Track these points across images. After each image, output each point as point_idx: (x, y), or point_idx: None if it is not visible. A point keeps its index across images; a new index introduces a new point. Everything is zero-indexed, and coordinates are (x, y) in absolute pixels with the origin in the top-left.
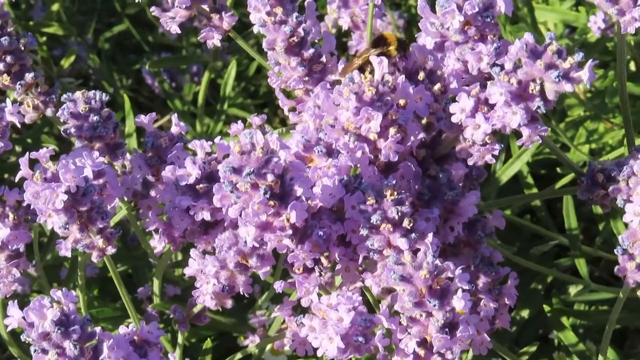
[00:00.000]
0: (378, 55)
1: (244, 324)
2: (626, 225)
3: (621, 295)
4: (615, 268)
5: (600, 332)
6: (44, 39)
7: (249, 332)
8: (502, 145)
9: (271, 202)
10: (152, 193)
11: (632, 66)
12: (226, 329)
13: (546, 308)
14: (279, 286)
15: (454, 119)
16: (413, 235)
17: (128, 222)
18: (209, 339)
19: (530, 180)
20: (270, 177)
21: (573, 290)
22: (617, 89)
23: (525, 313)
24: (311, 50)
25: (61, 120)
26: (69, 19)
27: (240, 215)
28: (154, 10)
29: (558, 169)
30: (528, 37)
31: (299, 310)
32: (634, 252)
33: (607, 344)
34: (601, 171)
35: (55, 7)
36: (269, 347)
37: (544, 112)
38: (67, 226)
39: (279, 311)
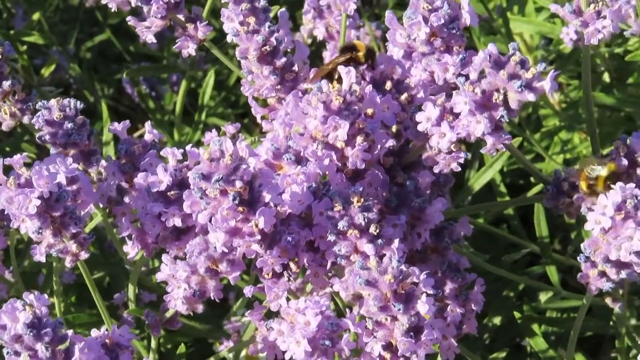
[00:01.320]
0: (346, 60)
1: (219, 330)
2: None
3: (584, 302)
4: (578, 275)
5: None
6: (25, 47)
7: (223, 338)
8: (468, 154)
9: (240, 208)
10: (126, 199)
11: (607, 77)
12: (201, 335)
13: (517, 315)
14: (248, 291)
15: (420, 128)
16: (379, 241)
17: (105, 228)
18: (183, 344)
19: (503, 189)
20: (238, 184)
21: (543, 297)
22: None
23: (497, 320)
24: (283, 59)
25: (36, 127)
26: (51, 28)
27: (210, 221)
28: (130, 20)
29: (532, 179)
30: (492, 48)
31: (274, 315)
32: (595, 259)
33: (573, 350)
34: (566, 180)
35: (36, 16)
36: (244, 352)
37: (507, 120)
38: (40, 231)
39: (250, 316)
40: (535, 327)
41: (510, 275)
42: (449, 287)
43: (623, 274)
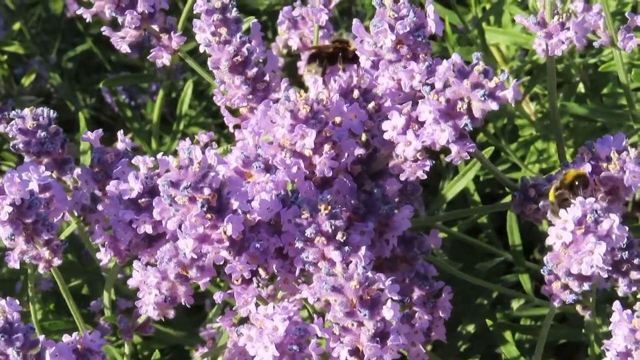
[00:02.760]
0: (337, 47)
1: (194, 337)
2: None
3: (549, 313)
4: (542, 288)
5: (547, 346)
6: (5, 57)
7: (199, 344)
8: (433, 162)
9: (208, 215)
10: (100, 207)
11: (581, 88)
12: (177, 342)
13: (489, 323)
14: (218, 297)
15: (386, 136)
16: (346, 248)
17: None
18: (157, 350)
19: (477, 197)
20: (206, 191)
21: (515, 304)
22: (566, 109)
23: (471, 328)
24: (255, 69)
25: (10, 135)
26: (33, 37)
27: (180, 228)
28: (104, 30)
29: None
30: (456, 57)
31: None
32: (558, 272)
33: (539, 357)
34: (533, 187)
35: (16, 26)
36: (219, 359)
37: (472, 129)
38: (12, 237)
39: (221, 322)
40: (508, 334)
41: (483, 283)
42: (416, 294)
43: (585, 286)
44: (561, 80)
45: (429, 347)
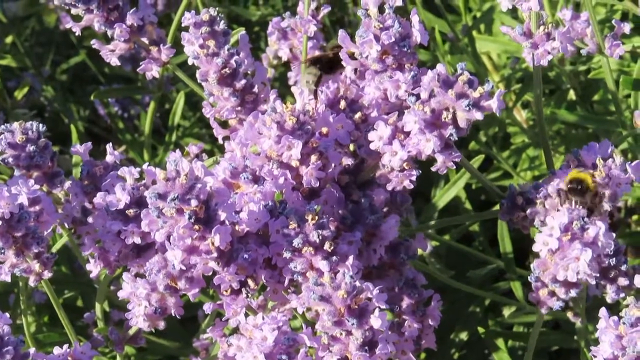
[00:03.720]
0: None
1: (188, 348)
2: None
3: (536, 319)
4: (529, 295)
5: (539, 353)
6: None
7: (192, 355)
8: (420, 171)
9: (196, 227)
10: (90, 219)
11: (572, 95)
12: (171, 353)
13: (480, 330)
14: (208, 307)
15: (372, 147)
16: (334, 257)
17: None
18: None
19: (468, 206)
20: (194, 203)
21: (507, 311)
22: (556, 117)
23: (464, 335)
24: (243, 81)
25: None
26: (26, 50)
27: (168, 240)
28: (94, 43)
29: None
30: (440, 68)
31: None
32: (545, 279)
33: None
34: (521, 194)
35: (9, 39)
36: None
37: (457, 138)
38: (3, 251)
39: (211, 332)
40: (500, 341)
41: (474, 291)
42: (406, 302)
43: (572, 293)
44: (553, 87)
45: (422, 356)
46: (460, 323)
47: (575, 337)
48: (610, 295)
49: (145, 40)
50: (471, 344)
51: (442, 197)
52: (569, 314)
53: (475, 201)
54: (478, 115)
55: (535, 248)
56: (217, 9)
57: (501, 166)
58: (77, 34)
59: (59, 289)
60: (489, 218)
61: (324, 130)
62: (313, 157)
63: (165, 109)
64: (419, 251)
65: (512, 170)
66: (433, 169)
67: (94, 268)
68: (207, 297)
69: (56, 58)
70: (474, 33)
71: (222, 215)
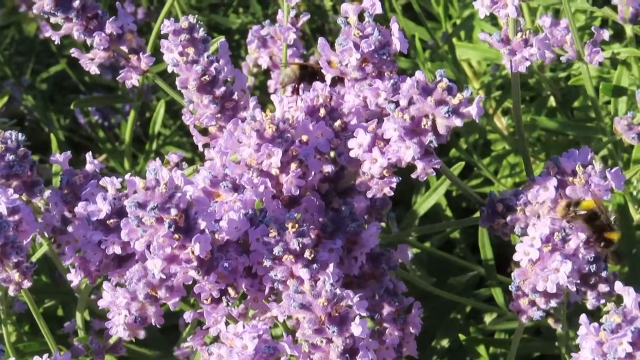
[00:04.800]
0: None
1: (169, 356)
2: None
3: (517, 328)
4: (510, 304)
5: (523, 359)
6: None
7: None
8: (399, 178)
9: (176, 236)
10: (70, 229)
11: (552, 101)
12: None
13: (461, 337)
14: (188, 316)
15: (352, 154)
16: (315, 265)
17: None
18: None
19: (449, 212)
20: (173, 212)
21: (488, 318)
22: (536, 123)
23: (445, 342)
24: (223, 88)
25: None
26: (6, 60)
27: (148, 249)
28: (73, 52)
29: None
30: (419, 75)
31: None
32: (525, 289)
33: None
34: (501, 201)
35: None
36: None
37: (436, 145)
38: None
39: (191, 341)
40: (482, 348)
41: (455, 298)
42: (386, 310)
43: (553, 303)
44: (533, 94)
45: None
46: (442, 330)
47: (557, 344)
48: (590, 301)
49: (124, 48)
50: (453, 351)
51: (422, 204)
52: (550, 321)
53: (457, 208)
54: (457, 122)
55: (516, 257)
56: (196, 16)
57: (482, 173)
58: (56, 42)
59: (40, 298)
60: (470, 225)
61: (304, 138)
62: (293, 165)
63: (146, 118)
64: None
65: (493, 177)
66: (413, 175)
67: (75, 278)
68: (188, 306)
69: (36, 67)
70: (454, 40)
71: (202, 224)
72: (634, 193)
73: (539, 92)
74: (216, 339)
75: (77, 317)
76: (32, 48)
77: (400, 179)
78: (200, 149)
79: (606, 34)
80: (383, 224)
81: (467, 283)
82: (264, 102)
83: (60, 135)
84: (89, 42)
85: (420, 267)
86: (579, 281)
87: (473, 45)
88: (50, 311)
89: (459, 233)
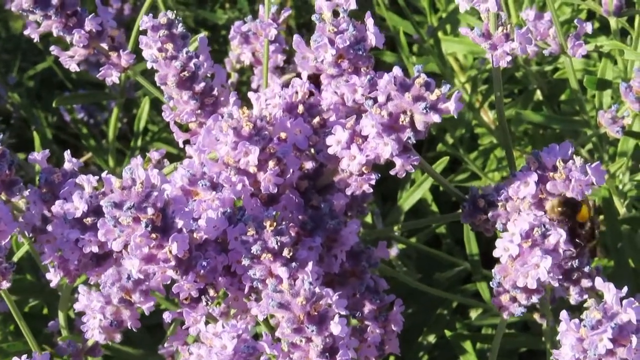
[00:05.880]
0: None
1: (154, 355)
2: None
3: (499, 323)
4: (491, 300)
5: (507, 355)
6: None
7: None
8: (379, 175)
9: (153, 235)
10: (49, 228)
11: (539, 95)
12: None
13: (447, 333)
14: (167, 316)
15: (330, 151)
16: (294, 264)
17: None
18: None
19: (434, 208)
20: (150, 211)
21: (474, 314)
22: (522, 117)
23: (431, 338)
24: (202, 84)
25: None
26: None
27: (126, 249)
28: (53, 50)
29: None
30: (396, 70)
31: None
32: (505, 285)
33: None
34: (482, 197)
35: None
36: None
37: (415, 142)
38: None
39: (172, 341)
40: (468, 344)
41: (441, 293)
42: (367, 308)
43: (534, 299)
44: (521, 87)
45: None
46: (429, 326)
47: (543, 339)
48: (573, 297)
49: (104, 45)
50: (440, 346)
51: (407, 199)
52: (536, 316)
53: (447, 203)
54: (436, 118)
55: (496, 253)
56: (175, 12)
57: (469, 168)
58: (35, 40)
59: (25, 297)
60: (455, 220)
61: (282, 135)
62: (271, 163)
63: (133, 115)
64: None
65: (480, 171)
66: (392, 172)
67: (54, 277)
68: (173, 305)
69: (23, 64)
70: (441, 34)
71: (180, 223)
72: (620, 186)
73: (526, 86)
74: (198, 338)
75: (60, 316)
76: (19, 45)
77: (380, 175)
78: (181, 145)
79: (589, 27)
80: (369, 220)
81: (455, 278)
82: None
83: (48, 133)
84: (68, 39)
85: (409, 262)
86: (561, 277)
87: (459, 39)
88: (35, 310)
89: (445, 228)
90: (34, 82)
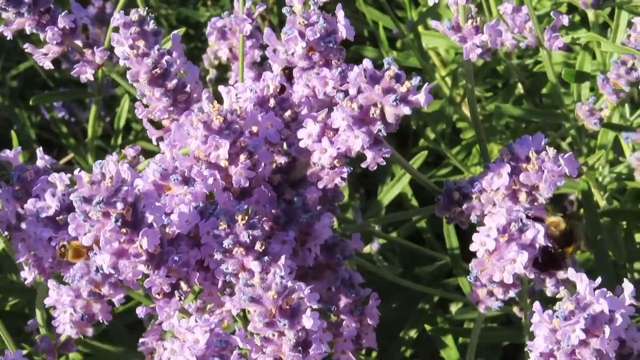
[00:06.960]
0: None
1: (134, 352)
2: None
3: (477, 318)
4: (468, 294)
5: (490, 349)
6: None
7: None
8: (351, 168)
9: (123, 230)
10: (23, 226)
11: (520, 88)
12: (117, 357)
13: (428, 327)
14: (141, 311)
15: (301, 144)
16: (266, 258)
17: None
18: None
19: (414, 202)
20: (120, 206)
21: (454, 308)
22: (502, 111)
23: (413, 333)
24: (175, 81)
25: None
26: None
27: (97, 244)
28: (27, 47)
29: None
30: (366, 63)
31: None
32: (482, 279)
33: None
34: (457, 189)
35: None
36: None
37: (385, 134)
38: None
39: (147, 337)
40: (449, 338)
41: (421, 288)
42: (343, 302)
43: (511, 293)
44: (503, 81)
45: (373, 354)
46: (410, 320)
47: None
48: (549, 288)
49: (79, 42)
50: (422, 341)
51: (387, 194)
52: (515, 309)
53: (428, 198)
54: (406, 110)
55: (472, 248)
56: (148, 9)
57: (451, 162)
58: (8, 37)
59: (5, 296)
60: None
61: (254, 129)
62: (242, 157)
63: (115, 113)
64: (367, 249)
65: (462, 166)
66: (363, 165)
67: (29, 275)
68: (150, 301)
69: (6, 64)
70: (422, 29)
71: (150, 218)
72: (600, 179)
73: (508, 80)
74: (173, 333)
75: (37, 314)
76: (2, 45)
77: (360, 170)
78: (154, 142)
79: (566, 19)
80: (350, 216)
81: (436, 272)
82: None
83: (31, 133)
84: (42, 37)
85: (393, 257)
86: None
87: (440, 33)
88: (17, 309)
89: (426, 223)
90: (17, 81)
